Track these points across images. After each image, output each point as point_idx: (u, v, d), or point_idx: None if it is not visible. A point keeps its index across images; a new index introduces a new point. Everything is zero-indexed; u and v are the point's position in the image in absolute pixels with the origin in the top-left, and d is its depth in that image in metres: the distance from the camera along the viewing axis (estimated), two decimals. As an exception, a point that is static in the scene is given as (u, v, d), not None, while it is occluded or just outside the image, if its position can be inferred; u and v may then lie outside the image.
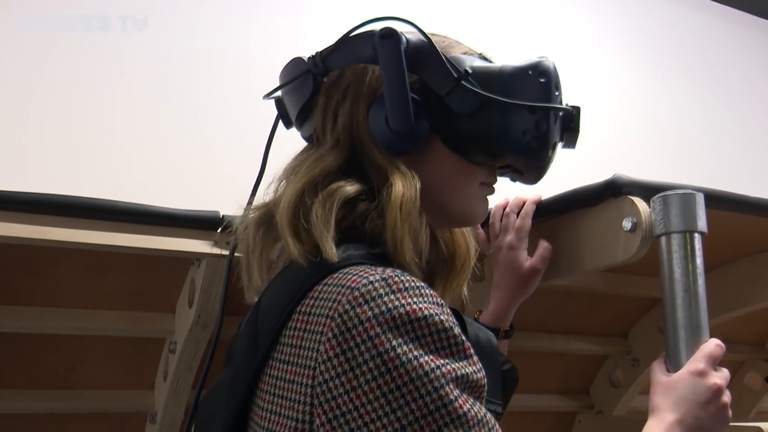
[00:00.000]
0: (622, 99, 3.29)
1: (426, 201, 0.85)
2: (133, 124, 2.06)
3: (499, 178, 0.96)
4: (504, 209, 1.22)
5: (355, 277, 0.73)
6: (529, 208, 1.20)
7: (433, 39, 0.88)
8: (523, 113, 0.85)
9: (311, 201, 0.82)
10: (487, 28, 2.92)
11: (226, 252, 1.22)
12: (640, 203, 1.11)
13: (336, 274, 0.75)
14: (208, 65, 2.10)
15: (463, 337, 0.73)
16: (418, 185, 0.83)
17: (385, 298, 0.70)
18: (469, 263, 0.97)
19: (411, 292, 0.71)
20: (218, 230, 1.23)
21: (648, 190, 1.11)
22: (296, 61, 0.92)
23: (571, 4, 3.31)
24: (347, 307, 0.71)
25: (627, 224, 1.12)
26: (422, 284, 0.74)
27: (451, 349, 0.71)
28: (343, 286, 0.73)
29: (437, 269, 0.95)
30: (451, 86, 0.84)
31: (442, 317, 0.72)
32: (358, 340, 0.69)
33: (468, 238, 0.98)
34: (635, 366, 1.66)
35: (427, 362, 0.68)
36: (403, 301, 0.70)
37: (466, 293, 1.00)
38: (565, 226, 1.23)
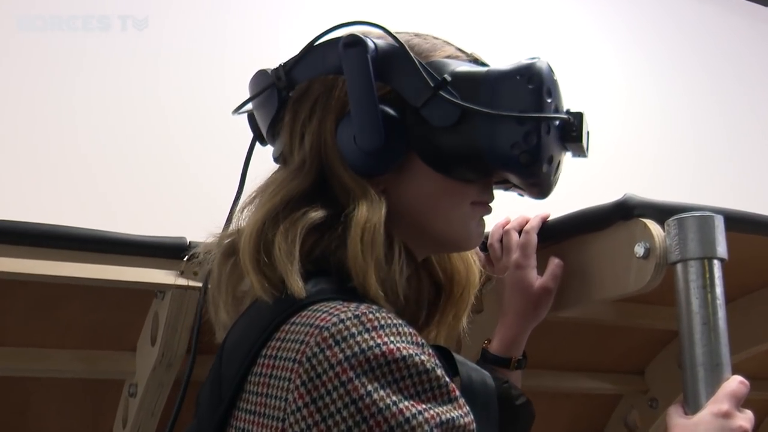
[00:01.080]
0: (632, 106, 3.31)
1: (409, 225, 0.86)
2: (96, 135, 2.15)
3: (504, 193, 0.97)
4: (504, 228, 1.22)
5: (324, 315, 0.73)
6: (534, 223, 1.19)
7: (414, 42, 0.88)
8: (511, 124, 0.83)
9: (273, 233, 0.82)
10: (488, 28, 2.94)
11: (193, 283, 1.23)
12: (654, 226, 1.12)
13: (304, 312, 0.75)
14: (208, 67, 2.21)
15: (447, 379, 0.73)
16: (384, 210, 0.82)
17: (358, 338, 0.70)
18: (469, 291, 0.97)
19: (387, 331, 0.71)
20: (185, 259, 1.23)
21: (662, 212, 1.12)
22: (259, 74, 0.92)
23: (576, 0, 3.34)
24: (316, 349, 0.70)
25: (639, 250, 1.12)
26: (400, 322, 0.74)
27: (434, 392, 0.71)
28: (311, 326, 0.72)
29: (431, 299, 0.96)
30: (427, 96, 0.83)
31: (422, 357, 0.72)
32: (330, 386, 0.69)
33: (469, 262, 0.98)
34: (653, 407, 1.67)
35: (406, 408, 0.68)
36: (378, 341, 0.70)
37: (465, 325, 1.01)
38: (571, 252, 1.25)
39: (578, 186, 2.88)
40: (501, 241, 1.22)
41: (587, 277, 1.21)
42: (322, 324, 0.72)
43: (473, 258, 1.01)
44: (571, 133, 0.88)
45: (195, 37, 2.25)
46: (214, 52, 2.23)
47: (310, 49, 0.88)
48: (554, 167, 0.88)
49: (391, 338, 0.71)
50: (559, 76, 0.89)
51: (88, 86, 2.15)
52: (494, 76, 0.85)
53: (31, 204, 2.00)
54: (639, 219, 1.14)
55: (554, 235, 1.24)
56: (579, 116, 0.88)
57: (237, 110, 0.96)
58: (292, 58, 0.90)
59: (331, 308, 0.74)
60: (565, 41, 3.20)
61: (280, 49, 1.02)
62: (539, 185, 0.89)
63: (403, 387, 0.70)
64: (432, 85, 0.84)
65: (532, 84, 0.84)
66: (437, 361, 0.74)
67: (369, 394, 0.68)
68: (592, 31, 3.32)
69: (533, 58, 0.86)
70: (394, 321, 0.73)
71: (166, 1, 2.27)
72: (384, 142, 0.83)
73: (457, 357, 0.88)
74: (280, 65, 0.90)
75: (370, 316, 0.72)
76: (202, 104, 2.15)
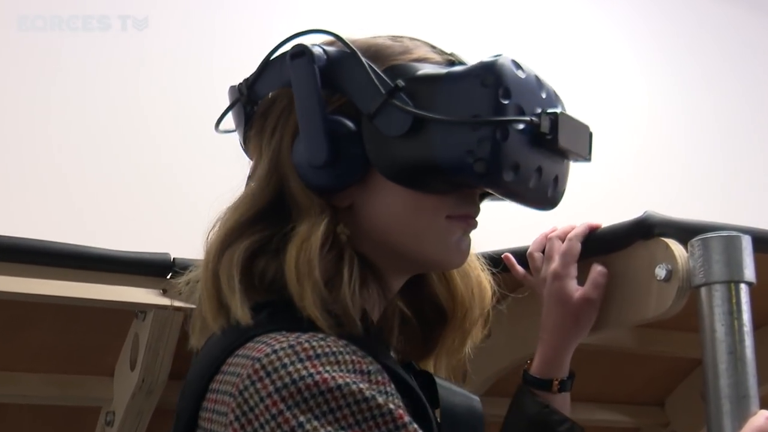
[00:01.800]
0: (656, 117, 3.31)
1: (378, 244, 0.86)
2: (95, 136, 2.23)
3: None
4: (547, 236, 1.21)
5: (261, 346, 0.75)
6: (578, 230, 1.18)
7: (380, 46, 0.87)
8: (464, 131, 0.81)
9: (219, 261, 0.83)
10: (496, 29, 2.96)
11: (177, 303, 1.23)
12: (676, 247, 1.12)
13: (249, 344, 0.77)
14: (208, 67, 2.29)
15: (391, 407, 0.73)
16: (323, 227, 0.82)
17: (290, 368, 0.71)
18: (472, 313, 0.95)
19: (323, 360, 0.73)
20: (168, 276, 1.24)
21: (685, 231, 1.12)
22: (230, 90, 0.94)
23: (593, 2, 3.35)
24: (247, 382, 0.72)
25: (660, 272, 1.12)
26: (342, 350, 0.75)
27: (375, 421, 0.72)
28: (248, 358, 0.75)
29: (432, 323, 0.96)
30: (378, 104, 0.82)
31: (360, 386, 0.73)
32: (262, 419, 0.70)
33: (471, 280, 0.97)
34: (674, 441, 1.67)
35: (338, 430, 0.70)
36: (311, 370, 0.72)
37: (469, 351, 1.00)
38: (585, 274, 1.24)
39: (597, 201, 2.90)
40: (543, 251, 1.21)
41: (604, 301, 1.21)
42: (256, 355, 0.74)
43: (483, 276, 0.99)
44: (545, 136, 0.84)
45: (195, 37, 2.34)
46: (215, 52, 2.31)
47: (267, 62, 0.89)
48: (527, 175, 0.84)
49: (327, 368, 0.72)
50: (533, 74, 0.86)
51: (88, 86, 2.23)
52: (451, 79, 0.83)
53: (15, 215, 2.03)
54: (660, 238, 1.14)
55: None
56: (553, 117, 0.84)
57: (216, 126, 0.98)
58: (254, 72, 0.91)
59: (270, 339, 0.75)
60: (586, 49, 3.21)
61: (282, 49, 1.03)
62: (515, 195, 0.86)
63: (340, 417, 0.71)
64: (383, 91, 0.83)
65: (486, 85, 0.81)
66: (386, 388, 0.75)
67: (301, 425, 0.69)
68: (614, 37, 3.33)
69: (496, 56, 0.83)
70: (334, 349, 0.74)
71: (166, 1, 2.37)
72: (331, 155, 0.83)
73: (441, 383, 0.88)
74: (243, 80, 0.91)
75: (306, 345, 0.74)
76: (202, 105, 2.22)
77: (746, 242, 1.04)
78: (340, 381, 0.72)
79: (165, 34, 2.33)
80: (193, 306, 1.23)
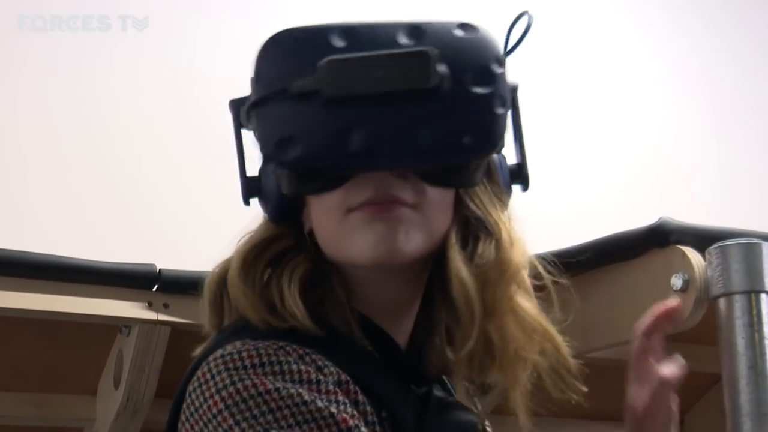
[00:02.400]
0: (670, 117, 3.31)
1: (332, 258, 0.88)
2: (94, 136, 2.27)
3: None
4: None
5: (218, 351, 0.80)
6: (643, 322, 1.05)
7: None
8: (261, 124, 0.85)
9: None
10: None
11: (163, 317, 1.23)
12: (693, 255, 1.13)
13: (219, 350, 0.81)
14: (209, 67, 2.33)
15: (333, 411, 0.77)
16: (248, 247, 0.87)
17: (232, 372, 0.78)
18: (471, 300, 0.87)
19: (267, 368, 0.78)
20: (154, 288, 1.24)
21: (703, 239, 1.13)
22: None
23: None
24: (195, 384, 0.80)
25: (677, 282, 1.13)
26: (294, 359, 0.79)
27: (318, 423, 0.77)
28: (205, 363, 0.81)
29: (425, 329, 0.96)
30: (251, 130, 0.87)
31: (300, 390, 0.78)
32: (205, 419, 0.77)
33: (460, 270, 0.89)
34: (693, 462, 1.67)
35: (279, 430, 0.75)
36: (253, 377, 0.78)
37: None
38: (599, 284, 1.25)
39: (610, 206, 2.90)
40: None
41: (618, 312, 1.21)
42: (209, 359, 0.80)
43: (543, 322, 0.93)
44: (314, 95, 0.83)
45: (195, 37, 2.41)
46: (215, 52, 2.36)
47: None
48: (332, 142, 0.82)
49: (268, 377, 0.78)
50: (290, 40, 0.86)
51: (87, 86, 2.29)
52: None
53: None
54: (676, 246, 1.15)
55: (580, 264, 1.24)
56: (322, 67, 0.82)
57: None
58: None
59: (229, 345, 0.81)
60: (605, 47, 3.20)
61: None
62: (346, 166, 0.85)
63: (280, 417, 0.76)
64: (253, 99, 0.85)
65: (255, 64, 0.85)
66: (334, 397, 0.79)
67: (237, 423, 0.76)
68: (631, 33, 3.33)
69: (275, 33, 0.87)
70: (282, 359, 0.79)
71: (166, 1, 2.45)
72: (246, 193, 0.89)
73: (445, 401, 0.90)
74: (230, 101, 0.92)
75: (253, 352, 0.79)
76: (202, 105, 2.25)
77: (767, 250, 1.05)
78: (279, 386, 0.77)
79: (165, 34, 2.40)
80: (180, 320, 1.24)
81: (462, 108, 0.82)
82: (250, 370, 0.78)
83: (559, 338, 0.91)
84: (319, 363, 0.80)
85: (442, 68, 0.81)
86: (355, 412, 0.79)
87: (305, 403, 0.77)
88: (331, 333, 0.85)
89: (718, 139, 3.38)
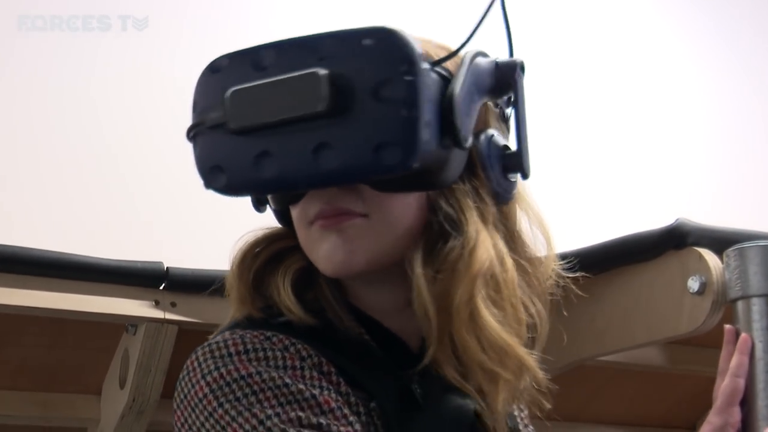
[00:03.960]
0: (687, 116, 3.29)
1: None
2: (94, 136, 2.28)
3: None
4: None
5: (207, 341, 0.85)
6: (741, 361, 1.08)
7: None
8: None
9: None
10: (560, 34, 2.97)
11: (171, 315, 1.23)
12: (710, 257, 1.12)
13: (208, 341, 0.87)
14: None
15: (315, 392, 0.82)
16: (249, 243, 0.91)
17: (218, 360, 0.82)
18: (425, 307, 0.87)
19: (251, 355, 0.83)
20: (161, 287, 1.24)
21: (720, 241, 1.12)
22: None
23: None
24: (184, 372, 0.84)
25: (693, 284, 1.12)
26: (278, 348, 0.84)
27: (300, 404, 0.81)
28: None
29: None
30: None
31: (280, 374, 0.83)
32: (192, 404, 0.82)
33: (417, 276, 0.88)
34: (706, 468, 1.66)
35: (261, 410, 0.80)
36: (236, 363, 0.82)
37: None
38: (614, 286, 1.24)
39: (626, 206, 2.89)
40: None
41: (632, 315, 1.21)
42: (197, 349, 0.84)
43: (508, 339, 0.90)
44: (225, 125, 0.85)
45: (195, 37, 2.43)
46: (215, 52, 2.32)
47: None
48: (246, 165, 0.85)
49: (253, 363, 0.83)
50: (220, 68, 0.89)
51: (87, 86, 2.31)
52: None
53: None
54: (693, 248, 1.14)
55: (594, 266, 1.23)
56: (228, 98, 0.86)
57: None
58: None
59: (220, 334, 0.86)
60: (633, 46, 3.20)
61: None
62: (262, 189, 0.89)
63: (263, 398, 0.81)
64: None
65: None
66: (318, 382, 0.83)
67: (221, 405, 0.80)
68: (660, 34, 3.32)
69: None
70: (266, 346, 0.84)
71: (166, 1, 2.47)
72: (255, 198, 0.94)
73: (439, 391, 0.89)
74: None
75: (238, 340, 0.84)
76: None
77: (787, 252, 1.04)
78: (261, 370, 0.82)
79: (165, 34, 2.42)
80: (188, 319, 1.24)
81: (367, 122, 0.80)
82: (235, 357, 0.82)
83: (522, 352, 0.87)
84: (304, 353, 0.84)
85: (334, 87, 0.80)
86: (339, 398, 0.83)
87: (287, 385, 0.81)
88: (326, 326, 0.88)
89: (738, 140, 3.38)
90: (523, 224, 0.96)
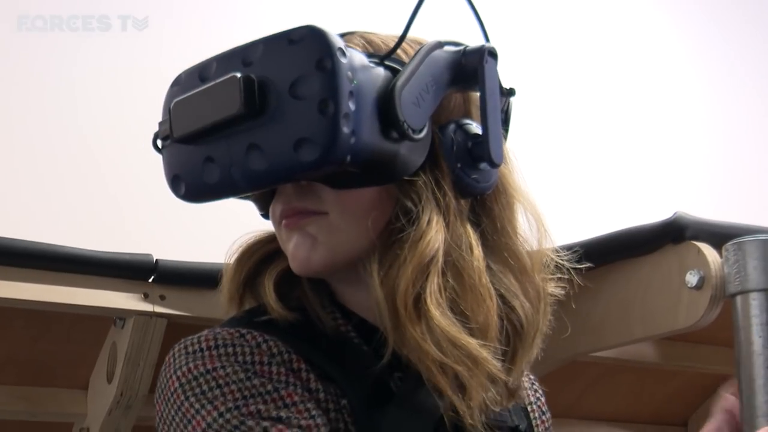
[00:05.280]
0: (686, 109, 3.29)
1: None
2: (94, 135, 2.29)
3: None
4: None
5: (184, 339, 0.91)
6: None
7: None
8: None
9: None
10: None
11: (160, 309, 1.21)
12: (709, 251, 1.12)
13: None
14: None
15: (278, 385, 0.85)
16: (251, 241, 0.96)
17: (189, 355, 0.87)
18: (380, 304, 0.89)
19: (221, 350, 0.87)
20: (150, 279, 1.22)
21: (719, 235, 1.12)
22: None
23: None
24: (162, 369, 0.89)
25: (692, 279, 1.12)
26: (249, 345, 0.87)
27: (263, 398, 0.84)
28: None
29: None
30: None
31: (247, 368, 0.86)
32: (166, 396, 0.87)
33: (372, 272, 0.91)
34: (697, 465, 1.66)
35: (223, 403, 0.83)
36: (206, 359, 0.86)
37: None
38: (610, 280, 1.24)
39: (624, 199, 2.89)
40: None
41: (629, 310, 1.20)
42: (174, 346, 0.90)
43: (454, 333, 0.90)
44: (169, 137, 0.92)
45: (195, 37, 2.44)
46: (215, 52, 2.36)
47: None
48: (193, 173, 0.90)
49: (222, 359, 0.86)
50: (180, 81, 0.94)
51: (87, 86, 2.32)
52: None
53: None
54: (691, 242, 1.14)
55: (591, 259, 1.22)
56: (167, 113, 0.92)
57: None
58: None
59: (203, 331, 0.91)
60: (630, 38, 3.21)
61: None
62: (210, 194, 0.92)
63: (227, 392, 0.84)
64: None
65: None
66: (284, 378, 0.86)
67: (188, 398, 0.84)
68: (658, 26, 3.32)
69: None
70: (236, 342, 0.88)
71: (166, 1, 2.49)
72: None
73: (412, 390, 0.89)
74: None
75: (209, 336, 0.88)
76: None
77: (788, 247, 1.03)
78: (226, 364, 0.86)
79: (165, 34, 2.43)
80: (177, 312, 1.23)
81: (286, 120, 0.82)
82: (206, 353, 0.86)
83: (471, 343, 0.87)
84: (275, 350, 0.88)
85: (250, 89, 0.83)
86: (305, 393, 0.86)
87: (249, 379, 0.85)
88: (306, 324, 0.91)
89: (738, 134, 3.38)
90: (520, 218, 0.97)
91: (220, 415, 0.83)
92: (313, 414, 0.84)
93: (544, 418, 1.06)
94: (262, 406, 0.84)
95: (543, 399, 1.07)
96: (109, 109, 2.33)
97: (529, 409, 1.04)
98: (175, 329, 1.24)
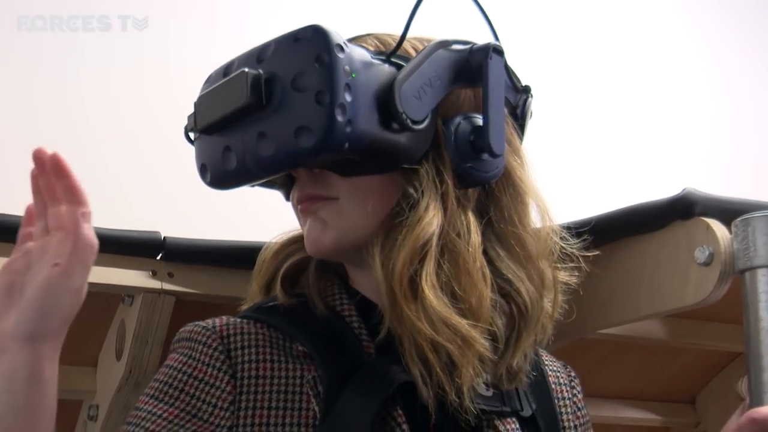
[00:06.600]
0: (695, 85, 3.27)
1: None
2: (93, 135, 2.31)
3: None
4: None
5: None
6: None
7: None
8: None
9: None
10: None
11: (168, 286, 1.22)
12: (718, 227, 1.11)
13: None
14: (209, 67, 2.33)
15: (175, 381, 0.95)
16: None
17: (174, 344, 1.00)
18: (379, 286, 0.95)
19: (181, 344, 0.98)
20: (158, 257, 1.22)
21: (728, 211, 1.11)
22: None
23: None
24: None
25: (700, 255, 1.11)
26: (213, 334, 0.96)
27: (182, 393, 0.94)
28: None
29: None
30: None
31: (176, 365, 0.96)
32: None
33: (374, 255, 0.97)
34: (705, 442, 1.67)
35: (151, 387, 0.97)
36: (176, 351, 0.98)
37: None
38: (618, 257, 1.23)
39: (632, 176, 2.88)
40: None
41: (637, 287, 1.20)
42: None
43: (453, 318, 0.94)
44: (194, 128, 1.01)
45: (195, 37, 2.44)
46: (216, 53, 2.35)
47: None
48: (215, 159, 0.98)
49: (184, 351, 0.97)
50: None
51: (87, 86, 2.32)
52: None
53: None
54: (700, 218, 1.13)
55: (598, 236, 1.22)
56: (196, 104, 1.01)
57: None
58: None
59: None
60: (638, 15, 3.19)
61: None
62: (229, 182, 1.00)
63: (161, 385, 0.96)
64: None
65: None
66: (218, 366, 0.94)
67: (156, 379, 0.97)
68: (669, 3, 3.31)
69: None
70: (200, 330, 0.97)
71: (166, 1, 2.49)
72: None
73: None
74: None
75: (189, 328, 0.98)
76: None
77: (796, 221, 1.03)
78: (180, 355, 0.97)
79: (165, 34, 2.43)
80: (185, 290, 1.23)
81: (288, 110, 0.89)
82: (180, 343, 0.98)
83: (464, 327, 0.91)
84: (246, 342, 0.95)
85: (257, 83, 0.91)
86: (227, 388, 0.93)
87: (179, 374, 0.95)
88: (302, 308, 0.98)
89: (747, 110, 3.36)
90: (530, 205, 1.02)
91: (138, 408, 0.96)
92: (167, 411, 0.93)
93: (579, 414, 1.08)
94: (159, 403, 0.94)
95: (580, 396, 1.10)
96: (109, 109, 2.32)
97: (561, 404, 1.06)
98: (184, 306, 1.25)
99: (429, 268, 0.92)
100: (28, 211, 0.88)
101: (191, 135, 1.01)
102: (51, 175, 0.85)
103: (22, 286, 0.84)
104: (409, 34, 0.97)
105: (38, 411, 0.83)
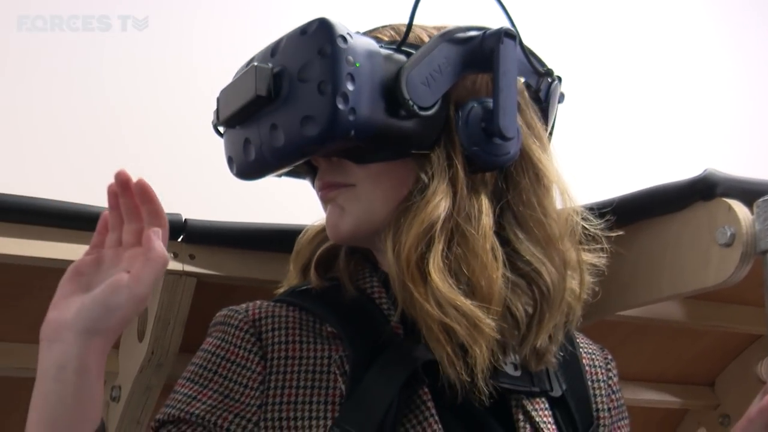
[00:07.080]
0: (716, 67, 3.25)
1: None
2: (94, 135, 2.31)
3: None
4: None
5: None
6: None
7: None
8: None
9: None
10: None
11: (189, 268, 1.22)
12: (740, 208, 1.11)
13: None
14: (209, 68, 2.33)
15: (209, 363, 0.98)
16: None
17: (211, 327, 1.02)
18: (391, 270, 0.96)
19: (215, 328, 1.01)
20: (179, 239, 1.22)
21: (750, 192, 1.11)
22: None
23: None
24: None
25: (722, 236, 1.11)
26: (245, 316, 0.99)
27: (212, 374, 0.97)
28: None
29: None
30: None
31: (210, 348, 0.99)
32: None
33: (386, 240, 0.98)
34: (724, 424, 1.66)
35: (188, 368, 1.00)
36: (212, 334, 1.01)
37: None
38: (639, 238, 1.23)
39: (653, 157, 2.87)
40: None
41: (658, 268, 1.20)
42: None
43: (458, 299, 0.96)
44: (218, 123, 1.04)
45: (195, 37, 2.44)
46: (216, 52, 2.38)
47: None
48: (238, 150, 1.01)
49: (219, 334, 1.00)
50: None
51: (87, 86, 2.32)
52: None
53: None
54: (722, 199, 1.13)
55: (619, 217, 1.22)
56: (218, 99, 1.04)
57: None
58: None
59: None
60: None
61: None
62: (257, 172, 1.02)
63: (199, 356, 1.00)
64: None
65: None
66: (249, 348, 0.97)
67: (192, 363, 1.00)
68: None
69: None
70: (222, 320, 1.01)
71: (166, 1, 2.49)
72: None
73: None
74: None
75: (223, 312, 1.01)
76: (202, 105, 2.29)
77: (820, 202, 1.03)
78: (213, 337, 1.00)
79: (165, 34, 2.43)
80: (206, 271, 1.24)
81: (295, 101, 0.91)
82: (215, 327, 1.01)
83: (468, 308, 0.92)
84: (276, 324, 0.98)
85: (267, 76, 0.93)
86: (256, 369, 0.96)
87: (214, 354, 0.97)
88: (334, 291, 1.00)
89: (752, 88, 3.34)
90: (552, 188, 1.02)
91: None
92: (201, 394, 0.96)
93: (614, 396, 1.09)
94: (195, 385, 0.97)
95: (616, 379, 1.11)
96: (109, 109, 2.32)
97: (596, 386, 1.08)
98: (205, 288, 1.25)
99: (436, 251, 0.93)
100: (104, 219, 0.92)
101: (220, 129, 1.04)
102: (135, 198, 0.90)
103: (90, 282, 0.88)
104: (427, 23, 0.98)
105: (85, 402, 0.85)
